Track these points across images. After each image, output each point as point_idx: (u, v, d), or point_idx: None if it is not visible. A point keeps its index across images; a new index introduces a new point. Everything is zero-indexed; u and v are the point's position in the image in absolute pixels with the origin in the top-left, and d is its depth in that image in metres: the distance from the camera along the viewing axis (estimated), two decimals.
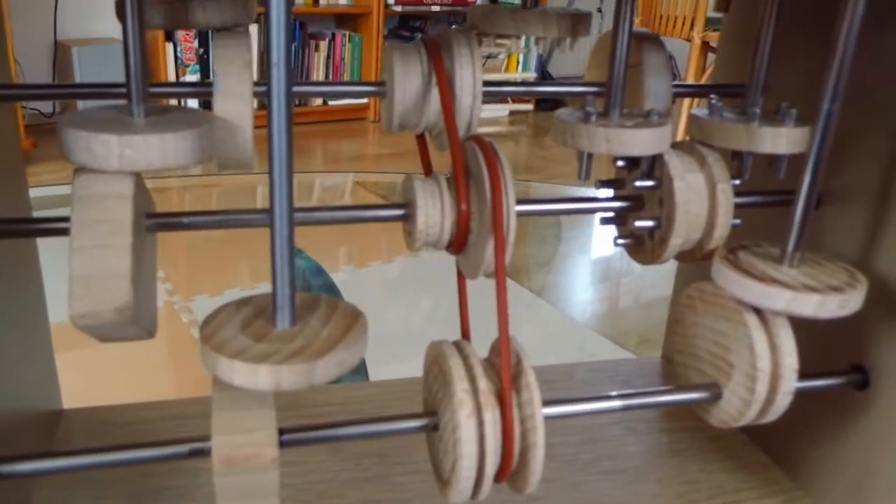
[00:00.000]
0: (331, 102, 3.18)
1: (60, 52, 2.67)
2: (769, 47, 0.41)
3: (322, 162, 2.94)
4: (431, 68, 0.41)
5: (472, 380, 0.34)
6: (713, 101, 0.42)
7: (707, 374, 0.41)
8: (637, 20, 2.88)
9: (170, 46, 2.73)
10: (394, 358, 1.39)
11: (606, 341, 1.62)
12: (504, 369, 0.34)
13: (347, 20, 3.25)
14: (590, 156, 0.39)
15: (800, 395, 0.39)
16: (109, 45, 2.62)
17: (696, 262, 0.43)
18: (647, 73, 0.43)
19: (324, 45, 3.11)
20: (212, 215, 0.38)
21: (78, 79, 2.57)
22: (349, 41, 3.17)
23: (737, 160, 0.42)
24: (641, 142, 0.38)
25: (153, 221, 0.36)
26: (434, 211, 0.37)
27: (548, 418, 0.35)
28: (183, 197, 2.51)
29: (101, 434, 0.49)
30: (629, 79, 0.45)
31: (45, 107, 2.78)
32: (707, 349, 0.41)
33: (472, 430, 0.33)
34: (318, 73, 3.15)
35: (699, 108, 0.43)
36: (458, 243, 0.38)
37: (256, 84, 0.44)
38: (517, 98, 3.61)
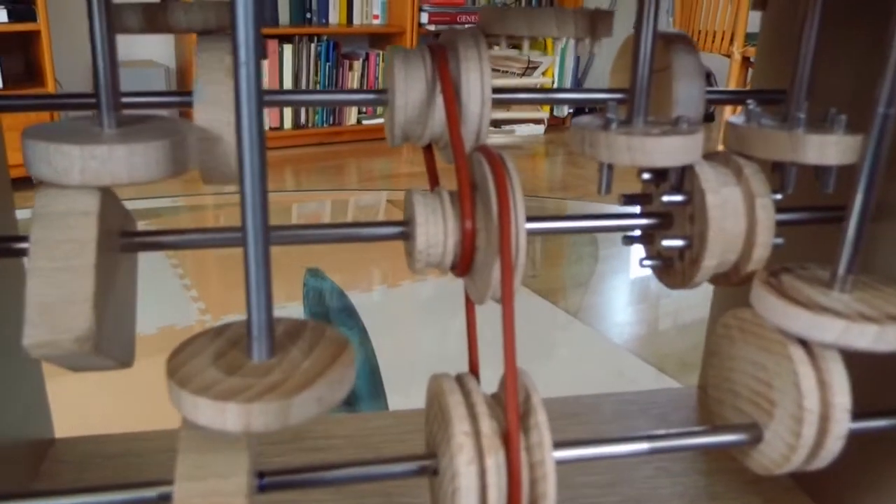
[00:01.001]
0: (364, 122, 3.18)
1: None
2: (814, 43, 0.36)
3: (356, 180, 2.93)
4: (436, 74, 0.37)
5: (474, 420, 0.30)
6: (751, 107, 0.38)
7: (746, 413, 0.36)
8: None
9: None
10: (421, 383, 1.35)
11: (647, 366, 1.56)
12: (510, 408, 0.30)
13: (381, 40, 3.25)
14: (610, 167, 0.35)
15: (855, 436, 0.35)
16: (147, 69, 2.66)
17: (732, 286, 0.38)
18: (676, 78, 0.39)
19: (357, 64, 3.12)
20: (194, 234, 0.34)
21: None
22: (383, 60, 3.17)
23: (779, 172, 0.38)
24: (667, 151, 0.34)
25: (129, 241, 0.33)
26: (436, 229, 0.34)
27: (561, 463, 0.31)
28: (218, 216, 2.51)
29: (89, 466, 0.46)
30: (657, 84, 0.41)
31: None
32: (746, 385, 0.36)
33: (472, 478, 0.29)
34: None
35: (736, 116, 0.38)
36: (462, 264, 0.35)
37: (267, 93, 0.41)
38: (554, 119, 3.57)
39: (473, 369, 0.36)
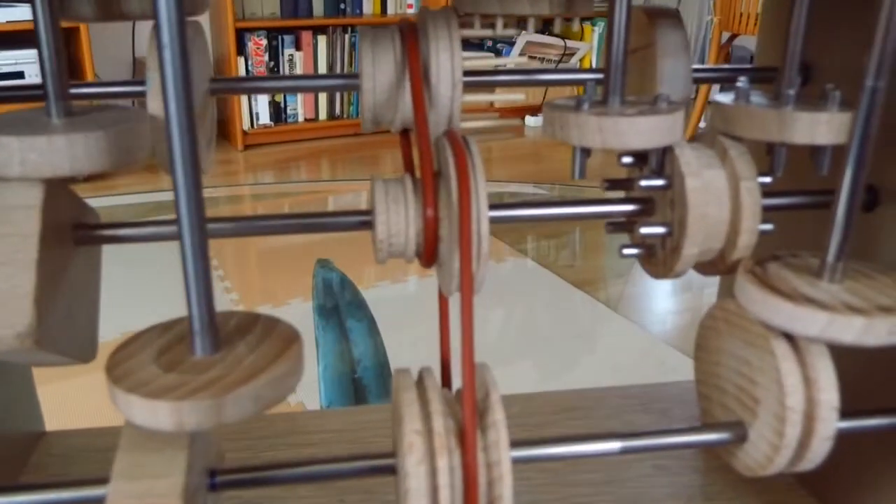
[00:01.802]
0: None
1: (139, 68, 2.75)
2: (805, 16, 0.34)
3: (392, 170, 2.93)
4: (406, 55, 0.36)
5: (427, 418, 0.29)
6: (740, 85, 0.35)
7: (732, 411, 0.34)
8: (715, 18, 2.74)
9: (241, 60, 2.78)
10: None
11: (686, 358, 1.52)
12: (466, 406, 0.29)
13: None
14: (584, 150, 0.33)
15: (859, 433, 0.32)
16: None
17: (720, 274, 0.36)
18: (660, 55, 0.37)
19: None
20: (152, 226, 0.34)
21: None
22: None
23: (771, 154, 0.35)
24: (642, 132, 0.31)
25: (84, 234, 0.33)
26: (397, 217, 0.32)
27: (519, 462, 0.29)
28: (255, 208, 2.53)
29: (78, 460, 0.46)
30: (642, 62, 0.39)
31: None
32: (732, 381, 0.34)
33: (422, 479, 0.28)
34: None
35: (723, 94, 0.36)
36: (426, 254, 0.33)
37: (215, 80, 0.40)
38: None
39: (444, 364, 0.35)
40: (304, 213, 0.34)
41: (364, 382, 0.71)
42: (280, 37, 2.87)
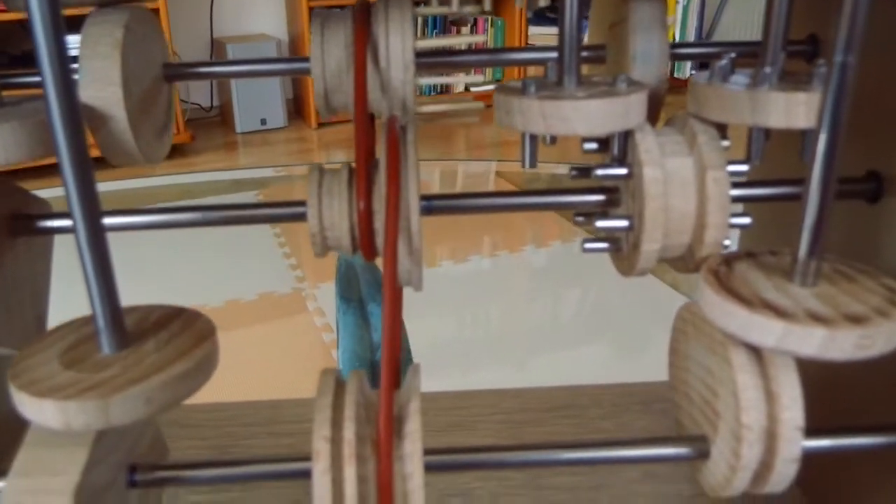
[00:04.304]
0: (473, 89, 3.14)
1: (216, 49, 2.82)
2: None
3: (465, 149, 2.91)
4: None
5: (338, 425, 0.27)
6: (721, 63, 0.32)
7: (698, 424, 0.31)
8: None
9: None
10: (453, 366, 1.34)
11: None
12: (383, 413, 0.27)
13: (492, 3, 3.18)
14: (533, 137, 0.31)
15: (839, 452, 0.29)
16: (259, 42, 2.73)
17: (692, 273, 0.33)
18: (632, 30, 0.33)
19: (465, 31, 3.07)
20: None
21: None
22: (491, 26, 3.11)
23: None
24: (589, 117, 0.29)
25: (22, 224, 0.32)
26: (329, 211, 0.31)
27: (437, 470, 0.27)
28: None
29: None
30: (619, 38, 0.35)
31: (205, 101, 2.96)
32: (698, 391, 0.31)
33: (326, 488, 0.26)
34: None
35: (700, 73, 0.33)
36: (364, 247, 0.31)
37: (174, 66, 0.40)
38: (675, 80, 3.37)
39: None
40: (245, 204, 0.33)
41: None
42: None
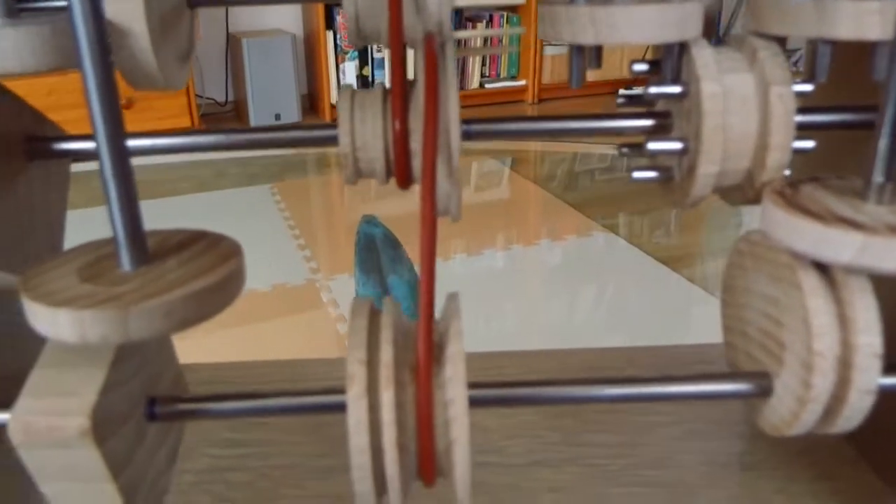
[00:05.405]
0: (487, 85, 3.12)
1: (232, 44, 2.81)
2: None
3: (480, 146, 2.89)
4: None
5: (374, 348, 0.25)
6: None
7: (758, 361, 0.29)
8: None
9: (329, 34, 2.80)
10: (471, 342, 1.32)
11: None
12: (422, 334, 0.25)
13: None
14: (579, 50, 0.29)
15: None
16: (274, 38, 2.73)
17: (750, 204, 0.30)
18: None
19: (481, 26, 3.06)
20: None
21: (248, 70, 2.70)
22: (507, 21, 3.09)
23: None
24: (641, 25, 0.27)
25: (38, 147, 0.31)
26: (362, 128, 0.29)
27: (481, 404, 0.25)
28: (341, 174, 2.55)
29: None
30: None
31: (220, 96, 2.96)
32: (758, 325, 0.29)
33: (362, 413, 0.24)
34: (475, 58, 3.11)
35: None
36: (399, 173, 0.29)
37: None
38: None
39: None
40: (273, 126, 0.31)
41: None
42: None
